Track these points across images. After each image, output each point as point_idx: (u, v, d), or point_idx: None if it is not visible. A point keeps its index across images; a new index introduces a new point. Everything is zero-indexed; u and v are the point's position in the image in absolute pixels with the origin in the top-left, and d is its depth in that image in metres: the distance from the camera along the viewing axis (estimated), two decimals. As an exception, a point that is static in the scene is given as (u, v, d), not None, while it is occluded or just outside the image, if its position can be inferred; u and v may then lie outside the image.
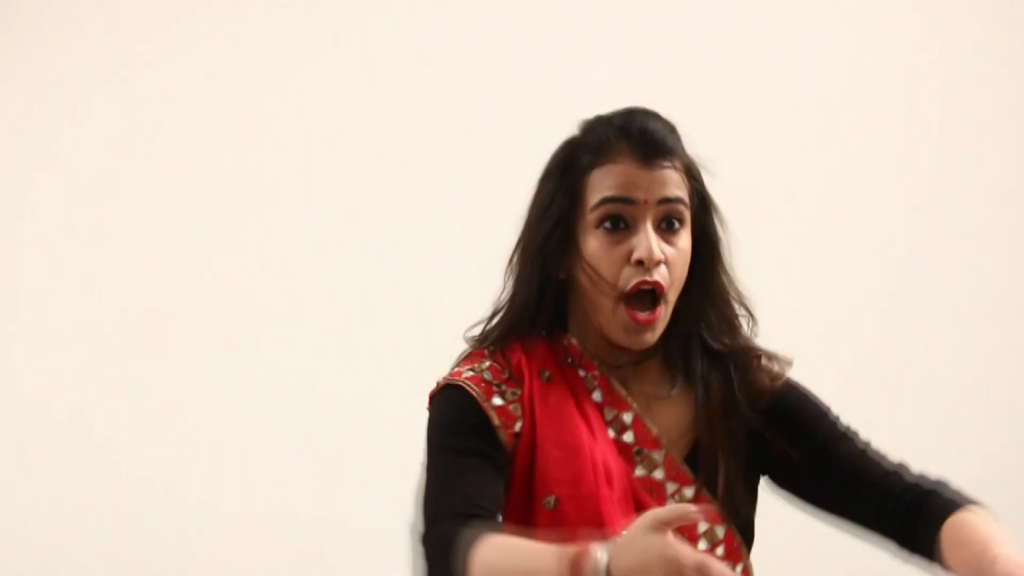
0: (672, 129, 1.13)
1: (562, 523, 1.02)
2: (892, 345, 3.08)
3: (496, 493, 1.04)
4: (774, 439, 1.13)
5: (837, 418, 1.19)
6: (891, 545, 1.12)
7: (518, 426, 1.06)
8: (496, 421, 1.05)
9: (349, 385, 2.70)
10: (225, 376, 2.72)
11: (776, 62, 3.15)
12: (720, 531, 1.08)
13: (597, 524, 1.02)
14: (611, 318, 1.07)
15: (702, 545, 1.07)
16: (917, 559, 1.10)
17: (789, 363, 1.20)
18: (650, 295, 1.06)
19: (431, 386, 1.14)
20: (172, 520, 2.61)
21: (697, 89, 3.00)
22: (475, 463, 1.05)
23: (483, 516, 1.01)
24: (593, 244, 1.07)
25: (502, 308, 1.13)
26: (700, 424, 1.11)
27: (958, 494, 1.07)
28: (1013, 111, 3.17)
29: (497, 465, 1.05)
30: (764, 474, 1.17)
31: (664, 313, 1.07)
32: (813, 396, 1.19)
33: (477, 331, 1.15)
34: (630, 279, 1.05)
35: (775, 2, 3.17)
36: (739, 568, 1.09)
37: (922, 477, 1.11)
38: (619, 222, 1.06)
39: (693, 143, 1.19)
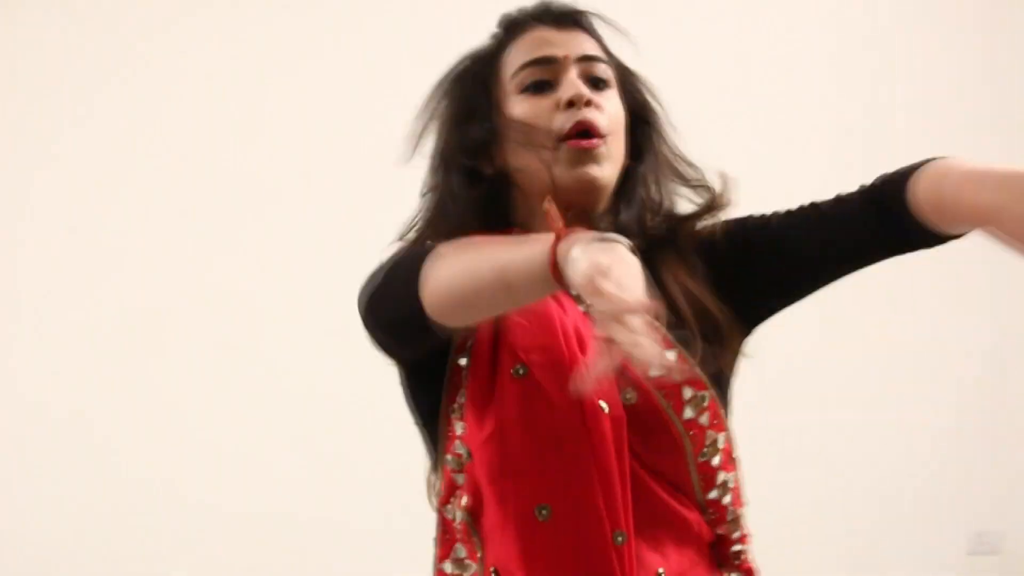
0: (585, 12, 1.10)
1: (533, 392, 0.98)
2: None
3: None
4: (745, 276, 1.08)
5: (768, 216, 1.11)
6: (878, 247, 1.07)
7: None
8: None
9: (349, 385, 2.78)
10: (225, 376, 2.82)
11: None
12: (705, 397, 1.04)
13: (571, 392, 0.96)
14: (554, 164, 1.02)
15: (689, 412, 1.03)
16: (901, 240, 1.05)
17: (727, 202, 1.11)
18: (588, 134, 1.02)
19: None
20: (172, 519, 2.70)
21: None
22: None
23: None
24: (519, 108, 1.02)
25: (431, 218, 1.08)
26: (662, 285, 1.03)
27: (905, 167, 0.99)
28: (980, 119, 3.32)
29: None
30: (752, 322, 1.13)
31: (605, 150, 1.02)
32: (753, 215, 1.12)
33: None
34: (565, 122, 1.00)
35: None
36: (723, 437, 1.05)
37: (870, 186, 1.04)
38: (542, 84, 1.02)
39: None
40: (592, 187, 1.01)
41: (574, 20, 1.06)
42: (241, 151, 2.85)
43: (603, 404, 0.97)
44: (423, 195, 1.09)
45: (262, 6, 2.89)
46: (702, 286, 1.04)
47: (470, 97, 1.05)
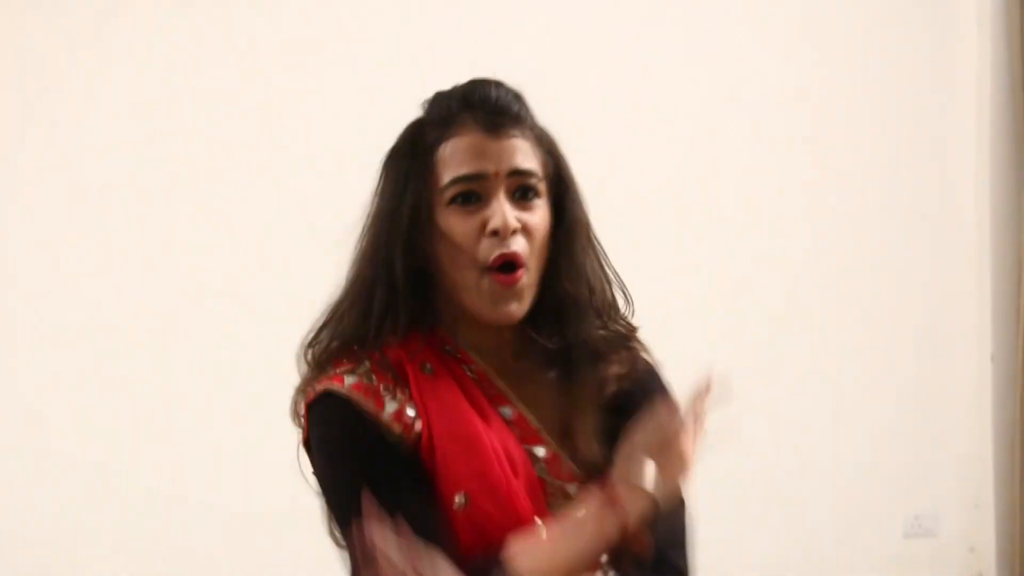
0: (518, 96, 1.10)
1: (477, 520, 1.01)
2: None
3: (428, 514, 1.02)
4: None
5: None
6: None
7: (418, 426, 1.04)
8: (397, 430, 1.03)
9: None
10: (224, 375, 2.91)
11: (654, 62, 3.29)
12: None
13: (513, 515, 1.02)
14: (476, 292, 1.05)
15: None
16: None
17: (651, 355, 1.18)
18: (511, 267, 1.05)
19: None
20: (172, 520, 2.79)
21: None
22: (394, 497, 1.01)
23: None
24: (448, 221, 1.05)
25: (357, 306, 1.08)
26: (577, 412, 1.09)
27: None
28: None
29: (408, 482, 1.03)
30: None
31: (526, 280, 1.06)
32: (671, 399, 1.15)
33: (321, 337, 1.10)
34: (490, 252, 1.03)
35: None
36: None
37: None
38: (471, 196, 1.04)
39: (544, 114, 1.16)
40: (510, 320, 1.05)
41: (507, 121, 1.06)
42: (227, 144, 2.99)
43: (539, 521, 1.00)
44: (344, 289, 1.09)
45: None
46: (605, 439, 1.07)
47: (405, 195, 1.07)
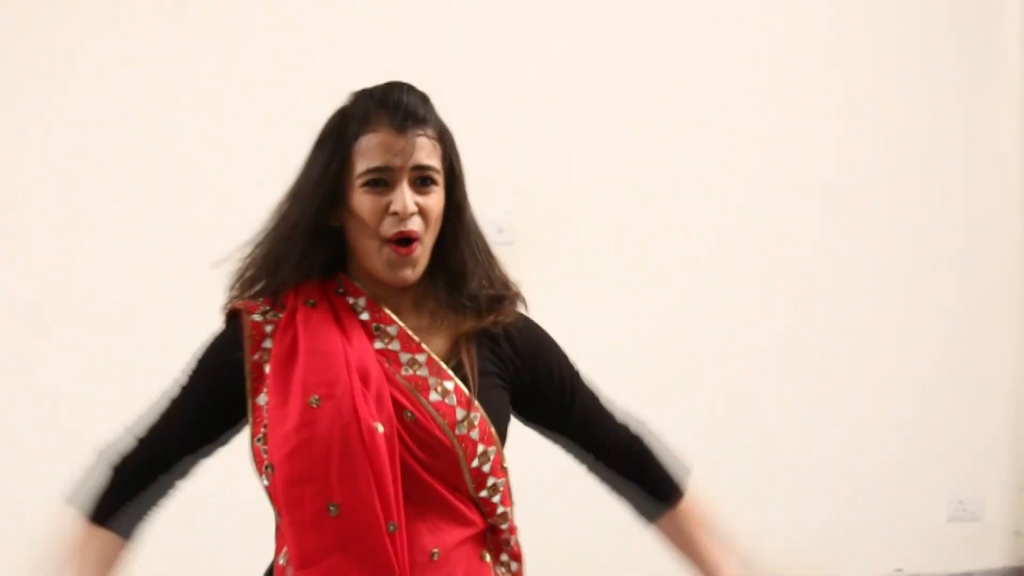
0: (426, 100, 1.30)
1: (324, 417, 1.23)
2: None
3: (183, 434, 1.32)
4: (518, 371, 1.36)
5: (572, 362, 1.42)
6: (602, 475, 1.42)
7: (267, 343, 1.29)
8: (251, 351, 1.28)
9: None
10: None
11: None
12: (475, 417, 1.28)
13: (352, 416, 1.23)
14: (377, 258, 1.27)
15: (461, 429, 1.27)
16: (622, 496, 1.41)
17: (525, 305, 1.40)
18: (407, 241, 1.27)
19: None
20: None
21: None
22: (182, 405, 1.31)
23: (139, 459, 1.30)
24: (360, 200, 1.26)
25: (270, 253, 1.30)
26: (457, 344, 1.32)
27: (672, 468, 1.40)
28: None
29: (213, 401, 1.30)
30: (514, 408, 1.38)
31: (420, 252, 1.28)
32: (551, 339, 1.41)
33: (238, 281, 1.31)
34: (390, 228, 1.25)
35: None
36: (492, 450, 1.30)
37: (637, 436, 1.40)
38: (380, 182, 1.25)
39: (447, 115, 1.35)
40: (404, 283, 1.28)
41: (414, 123, 1.26)
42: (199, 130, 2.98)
43: (378, 425, 1.21)
44: (255, 242, 1.31)
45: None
46: (488, 361, 1.33)
47: (326, 171, 1.28)
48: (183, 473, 1.36)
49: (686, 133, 3.44)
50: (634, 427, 1.43)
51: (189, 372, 1.34)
